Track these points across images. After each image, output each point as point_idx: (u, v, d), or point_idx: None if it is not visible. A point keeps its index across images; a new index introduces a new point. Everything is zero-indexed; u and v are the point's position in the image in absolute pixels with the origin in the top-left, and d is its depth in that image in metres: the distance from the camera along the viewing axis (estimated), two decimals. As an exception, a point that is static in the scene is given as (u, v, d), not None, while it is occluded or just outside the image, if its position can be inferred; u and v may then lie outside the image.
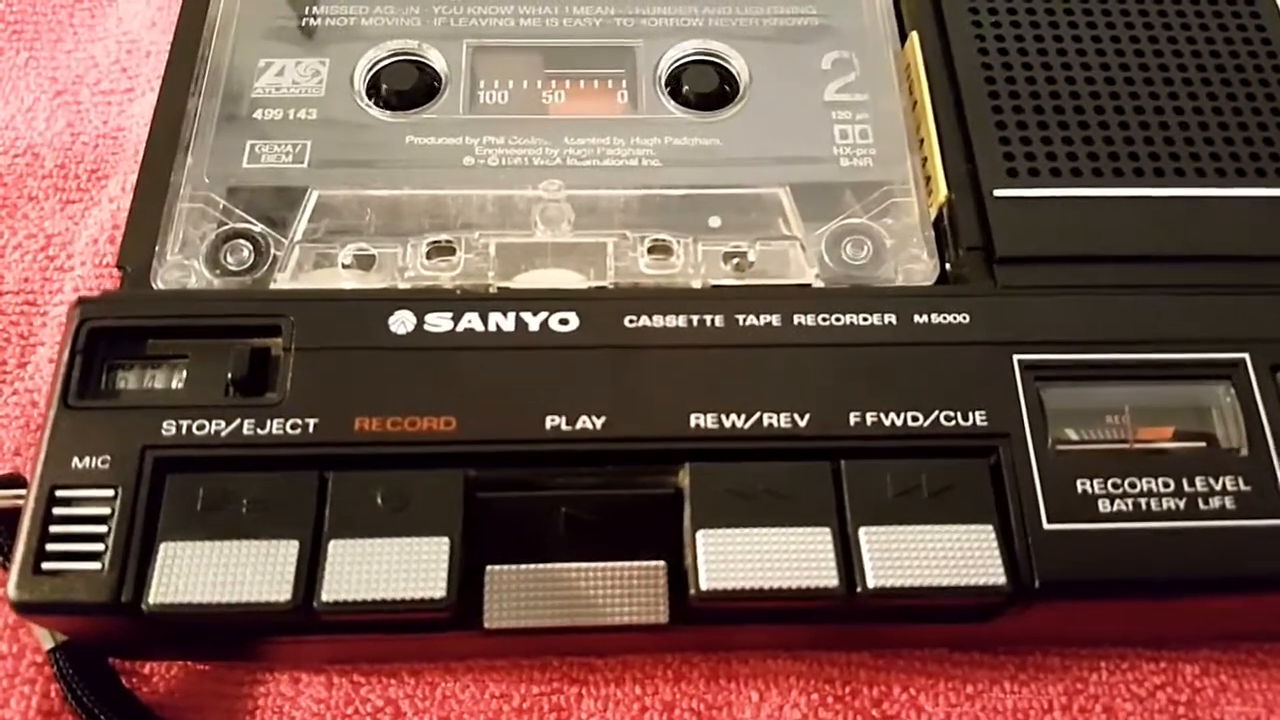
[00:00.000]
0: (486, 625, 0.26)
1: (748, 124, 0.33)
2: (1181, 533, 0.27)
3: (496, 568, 0.26)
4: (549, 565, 0.26)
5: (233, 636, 0.29)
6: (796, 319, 0.29)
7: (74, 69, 0.43)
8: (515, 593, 0.26)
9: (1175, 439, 0.28)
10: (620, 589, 0.27)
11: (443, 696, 0.31)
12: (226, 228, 0.31)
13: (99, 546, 0.26)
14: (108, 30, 0.44)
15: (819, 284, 0.31)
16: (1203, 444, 0.28)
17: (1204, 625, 0.31)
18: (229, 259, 0.30)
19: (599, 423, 0.27)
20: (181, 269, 0.30)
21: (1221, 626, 0.32)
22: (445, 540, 0.26)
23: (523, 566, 0.26)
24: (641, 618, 0.26)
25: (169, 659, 0.31)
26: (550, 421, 0.27)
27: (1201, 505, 0.27)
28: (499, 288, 0.30)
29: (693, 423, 0.27)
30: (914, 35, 0.35)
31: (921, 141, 0.33)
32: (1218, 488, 0.27)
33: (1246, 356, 0.29)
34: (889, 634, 0.31)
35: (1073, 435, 0.28)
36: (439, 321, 0.28)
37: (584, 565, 0.26)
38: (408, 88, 0.33)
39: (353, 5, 0.35)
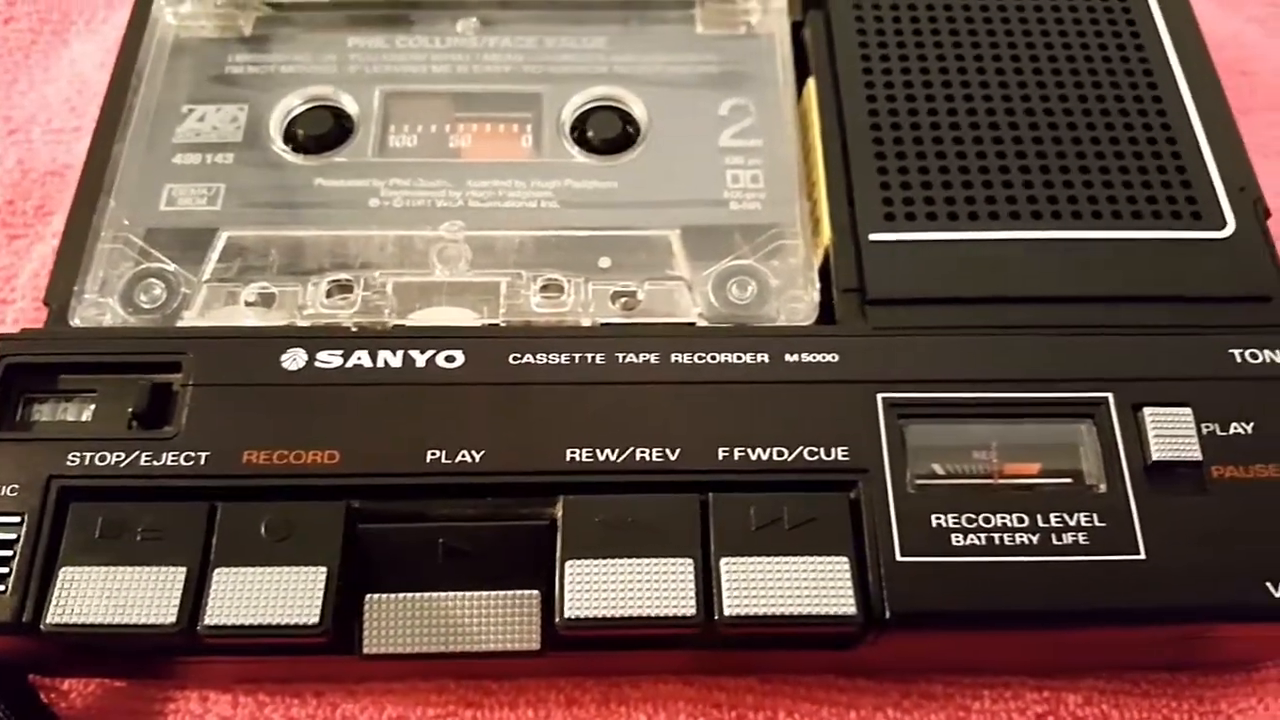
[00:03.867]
0: (365, 651, 0.28)
1: (645, 168, 0.34)
2: (1032, 567, 0.28)
3: (375, 596, 0.28)
4: (426, 594, 0.28)
5: (138, 656, 0.30)
6: (674, 357, 0.30)
7: (28, 108, 0.44)
8: (393, 620, 0.28)
9: (1042, 475, 0.29)
10: (494, 617, 0.28)
11: (342, 716, 0.32)
12: (141, 267, 0.32)
13: (5, 570, 0.27)
14: (60, 71, 0.45)
15: (703, 323, 0.32)
16: (1069, 480, 0.29)
17: (1078, 656, 0.32)
18: (142, 298, 0.32)
19: (478, 456, 0.29)
20: (98, 307, 0.32)
21: (1097, 657, 0.33)
22: (323, 570, 0.27)
23: (400, 595, 0.28)
24: (514, 644, 0.28)
25: (86, 676, 0.33)
26: (431, 455, 0.29)
27: (1054, 540, 0.28)
28: (395, 325, 0.31)
29: (568, 457, 0.29)
30: (810, 82, 0.36)
31: (814, 186, 0.34)
32: (1072, 523, 0.28)
33: (1110, 396, 0.30)
34: (776, 660, 0.32)
35: (940, 470, 0.29)
36: (329, 358, 0.30)
37: (459, 594, 0.28)
38: (321, 132, 0.35)
39: (273, 54, 0.37)
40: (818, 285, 0.32)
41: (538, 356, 0.30)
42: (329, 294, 0.32)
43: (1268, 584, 0.28)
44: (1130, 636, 0.29)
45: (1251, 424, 0.30)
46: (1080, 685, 0.33)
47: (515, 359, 0.30)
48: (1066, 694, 0.33)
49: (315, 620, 0.27)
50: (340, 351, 0.30)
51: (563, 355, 0.30)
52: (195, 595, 0.27)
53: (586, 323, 0.32)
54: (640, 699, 0.33)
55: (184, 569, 0.27)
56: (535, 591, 0.28)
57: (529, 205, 0.34)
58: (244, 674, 0.32)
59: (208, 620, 0.27)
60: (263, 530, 0.28)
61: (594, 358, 0.30)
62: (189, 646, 0.27)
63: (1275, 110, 0.45)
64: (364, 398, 0.29)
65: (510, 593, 0.28)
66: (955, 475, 0.29)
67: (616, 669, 0.33)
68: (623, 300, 0.32)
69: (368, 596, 0.28)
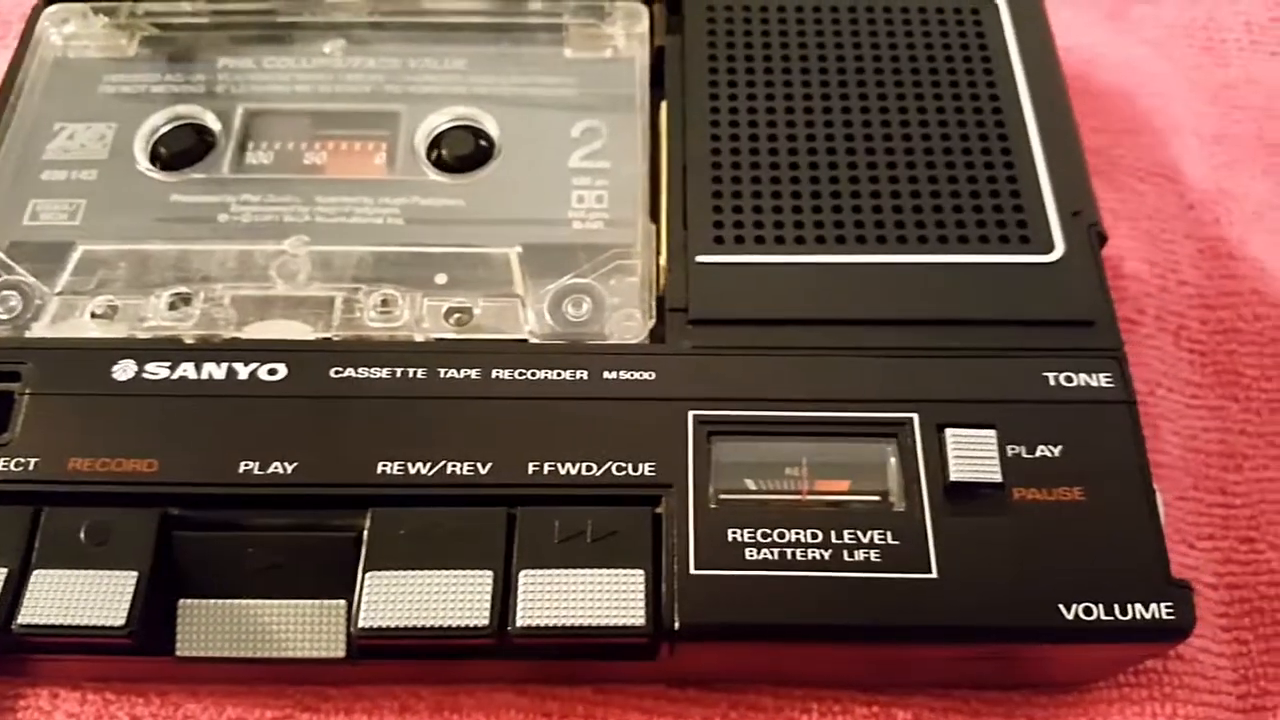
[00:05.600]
0: (178, 654, 0.29)
1: (493, 187, 0.35)
2: (821, 581, 0.28)
3: (188, 601, 0.29)
4: (237, 601, 0.29)
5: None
6: (495, 373, 0.31)
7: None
8: (204, 625, 0.29)
9: (852, 493, 0.30)
10: (301, 625, 0.29)
11: (184, 716, 0.33)
12: (1, 279, 0.34)
13: None
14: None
15: (535, 340, 0.32)
16: (877, 498, 0.30)
17: (907, 672, 0.33)
18: (-1, 309, 0.33)
19: (290, 468, 0.29)
20: (-45, 318, 0.33)
21: (927, 674, 0.33)
22: (134, 574, 0.28)
23: (212, 601, 0.29)
24: (320, 652, 0.29)
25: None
26: (244, 466, 0.29)
27: (846, 556, 0.29)
28: (231, 338, 0.32)
29: (379, 469, 0.30)
30: (664, 105, 0.37)
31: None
32: (866, 540, 0.29)
33: (915, 416, 0.30)
34: (608, 670, 0.33)
35: (752, 486, 0.30)
36: (157, 370, 0.31)
37: (269, 602, 0.29)
38: (182, 150, 0.36)
39: (146, 74, 0.38)
40: (653, 305, 0.33)
41: (359, 371, 0.31)
42: (172, 306, 0.33)
43: (1060, 605, 0.28)
44: (933, 654, 0.30)
45: (1059, 447, 0.30)
46: (911, 701, 0.34)
47: (336, 373, 0.31)
48: (896, 709, 0.33)
49: (121, 622, 0.28)
50: (168, 363, 0.31)
51: (384, 370, 0.31)
52: (14, 595, 0.28)
53: (419, 338, 0.32)
54: (474, 706, 0.33)
55: (5, 570, 0.28)
56: (342, 601, 0.29)
57: (375, 222, 0.34)
58: (93, 673, 0.33)
59: (21, 619, 0.28)
60: (82, 535, 0.29)
61: (415, 373, 0.31)
62: (5, 645, 0.28)
63: (1156, 134, 0.45)
64: (186, 408, 0.30)
65: (316, 602, 0.29)
66: (765, 492, 0.30)
67: (453, 677, 0.33)
68: (456, 316, 0.33)
69: (181, 601, 0.29)
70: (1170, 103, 0.47)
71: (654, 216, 0.35)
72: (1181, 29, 0.49)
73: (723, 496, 0.29)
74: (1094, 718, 0.34)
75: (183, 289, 0.33)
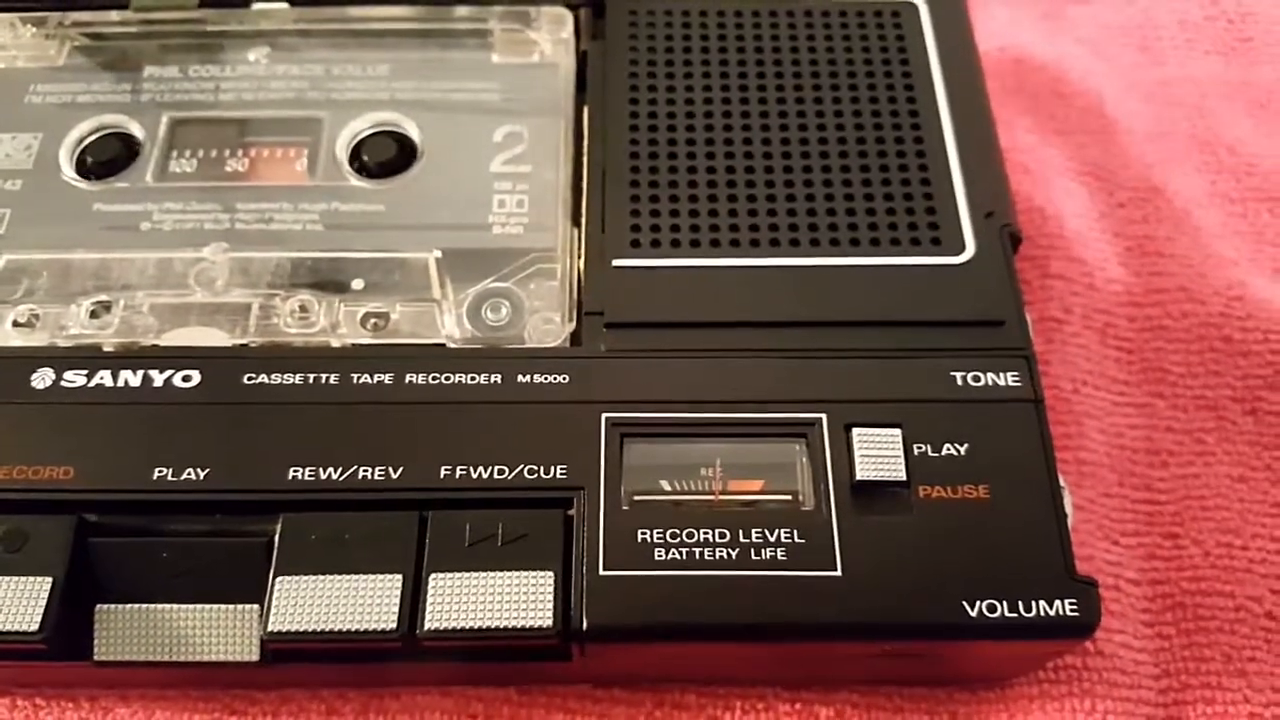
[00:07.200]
0: (96, 658, 0.29)
1: (414, 192, 0.36)
2: (727, 580, 0.28)
3: (105, 606, 0.29)
4: (153, 606, 0.29)
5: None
6: (408, 378, 0.31)
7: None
8: (121, 630, 0.29)
9: (764, 493, 0.30)
10: (216, 629, 0.29)
11: (112, 721, 0.34)
12: (-75, 289, 0.34)
13: None
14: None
15: (453, 344, 0.33)
16: (789, 498, 0.30)
17: (829, 668, 0.33)
18: (-80, 318, 0.33)
19: (202, 474, 0.30)
20: (-119, 329, 0.33)
21: (849, 671, 0.33)
22: (48, 580, 0.28)
23: (129, 606, 0.29)
24: (235, 656, 0.29)
25: None
26: (158, 473, 0.30)
27: (753, 555, 0.29)
28: (150, 345, 0.32)
29: (290, 475, 0.30)
30: (586, 109, 0.37)
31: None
32: (772, 539, 0.29)
33: (824, 416, 0.31)
34: (534, 671, 0.33)
35: (666, 487, 0.30)
36: (75, 378, 0.31)
37: (184, 607, 0.29)
38: (107, 159, 0.36)
39: (72, 84, 0.38)
40: (573, 309, 0.33)
41: (272, 377, 0.31)
42: (93, 315, 0.33)
43: (964, 603, 0.29)
44: (841, 652, 0.30)
45: (965, 445, 0.31)
46: (834, 698, 0.34)
47: (249, 379, 0.31)
48: (819, 706, 0.34)
49: (35, 628, 0.28)
50: (85, 371, 0.31)
51: (297, 375, 0.31)
52: (-69, 602, 0.28)
53: (337, 343, 0.33)
54: (399, 709, 0.34)
55: (-78, 577, 0.29)
56: (255, 605, 0.29)
57: (294, 228, 0.35)
58: (21, 679, 0.34)
59: (-68, 625, 0.28)
60: (-1, 541, 0.29)
61: (328, 378, 0.31)
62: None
63: (1090, 133, 0.46)
64: (102, 416, 0.31)
65: (231, 606, 0.29)
66: (679, 493, 0.30)
67: (378, 680, 0.34)
68: (373, 322, 0.33)
69: (98, 607, 0.29)
70: (1104, 101, 0.47)
71: (577, 221, 0.35)
72: (1117, 28, 0.49)
73: (636, 498, 0.30)
74: (1015, 714, 0.34)
75: (104, 297, 0.33)
